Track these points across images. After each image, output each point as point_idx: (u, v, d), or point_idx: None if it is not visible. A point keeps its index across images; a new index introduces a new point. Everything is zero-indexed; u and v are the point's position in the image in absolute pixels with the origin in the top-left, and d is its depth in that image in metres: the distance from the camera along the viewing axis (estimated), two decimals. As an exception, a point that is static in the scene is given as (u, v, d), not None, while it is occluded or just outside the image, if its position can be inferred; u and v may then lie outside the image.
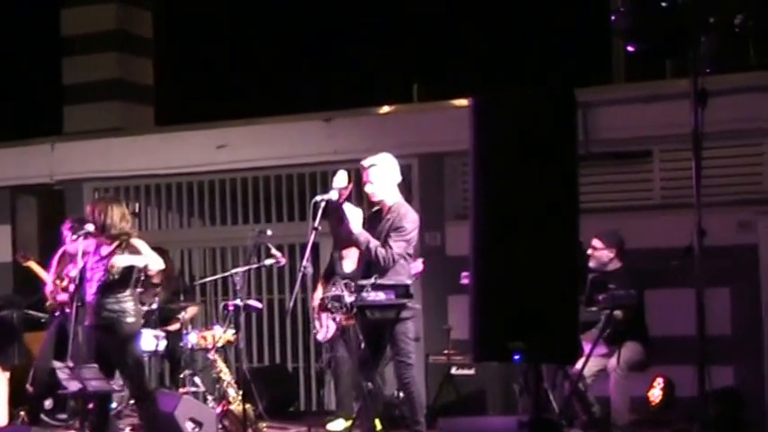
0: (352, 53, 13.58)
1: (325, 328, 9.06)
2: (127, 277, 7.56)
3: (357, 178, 8.42)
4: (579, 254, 4.99)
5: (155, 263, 7.61)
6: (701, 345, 5.39)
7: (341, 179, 7.33)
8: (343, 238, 7.63)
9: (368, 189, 7.42)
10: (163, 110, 13.36)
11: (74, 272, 7.72)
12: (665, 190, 10.00)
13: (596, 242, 8.18)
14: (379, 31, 13.66)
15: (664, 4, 5.56)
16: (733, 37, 5.75)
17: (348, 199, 7.45)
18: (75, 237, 7.74)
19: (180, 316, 9.64)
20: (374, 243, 7.20)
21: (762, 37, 5.96)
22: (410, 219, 7.33)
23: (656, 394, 8.84)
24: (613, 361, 7.75)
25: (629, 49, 6.27)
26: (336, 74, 13.29)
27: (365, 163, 7.41)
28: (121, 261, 7.45)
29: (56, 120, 13.03)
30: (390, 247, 7.18)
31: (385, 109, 10.98)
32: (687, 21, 5.55)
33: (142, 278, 9.54)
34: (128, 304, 7.54)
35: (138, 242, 7.62)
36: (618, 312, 7.51)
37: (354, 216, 7.30)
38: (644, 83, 10.18)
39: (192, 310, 9.91)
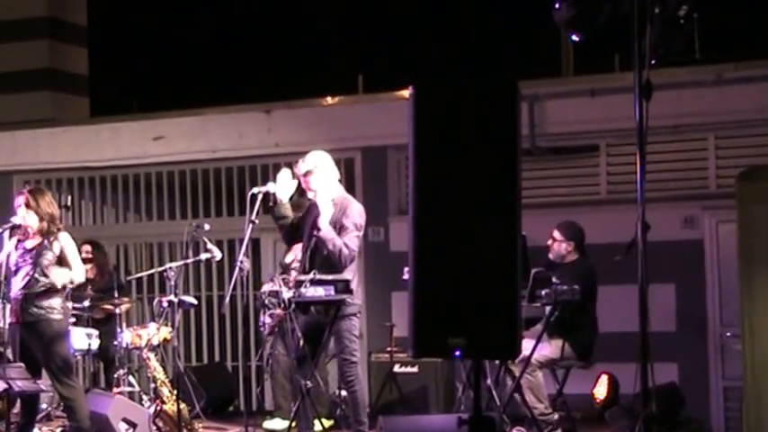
0: (295, 43, 13.41)
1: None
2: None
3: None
4: (522, 249, 4.82)
5: (78, 275, 7.40)
6: (644, 341, 5.29)
7: (285, 177, 7.13)
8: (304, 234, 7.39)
9: (310, 195, 7.26)
10: (98, 100, 13.07)
11: None
12: (611, 185, 10.02)
13: (556, 233, 8.07)
14: (323, 20, 13.51)
15: (608, -6, 5.45)
16: (678, 29, 5.64)
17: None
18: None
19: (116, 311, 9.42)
20: (339, 242, 7.02)
21: (706, 30, 5.86)
22: (357, 213, 7.19)
23: (600, 392, 8.82)
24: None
25: (574, 38, 6.13)
26: (278, 64, 13.11)
27: (300, 171, 7.22)
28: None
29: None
30: (348, 248, 7.04)
31: (328, 100, 10.80)
32: (631, 11, 5.43)
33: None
34: (55, 301, 7.29)
35: (64, 237, 7.38)
36: None
37: (326, 213, 7.10)
38: (591, 76, 10.21)
39: (125, 307, 9.67)
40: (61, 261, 7.35)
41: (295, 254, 8.48)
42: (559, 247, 8.02)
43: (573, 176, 10.20)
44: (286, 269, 8.56)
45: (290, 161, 10.26)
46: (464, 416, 4.80)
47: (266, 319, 8.73)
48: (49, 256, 7.30)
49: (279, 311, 7.82)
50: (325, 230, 7.01)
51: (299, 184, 7.30)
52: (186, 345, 11.29)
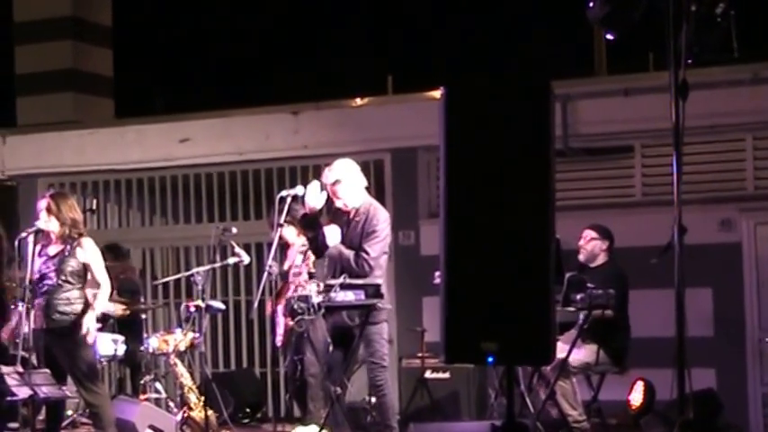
0: (323, 43, 13.34)
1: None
2: (79, 278, 7.23)
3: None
4: (555, 252, 4.70)
5: (105, 289, 7.35)
6: (681, 347, 5.15)
7: (314, 189, 7.03)
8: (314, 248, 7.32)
9: (339, 204, 7.19)
10: (123, 102, 13.00)
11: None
12: (646, 186, 9.89)
13: (590, 232, 7.92)
14: (352, 20, 13.43)
15: (643, -8, 5.31)
16: (715, 27, 5.49)
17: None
18: (24, 234, 7.35)
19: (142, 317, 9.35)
20: (347, 253, 6.96)
21: (745, 28, 5.70)
22: (381, 218, 7.12)
23: (636, 398, 8.67)
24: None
25: (609, 36, 6.01)
26: (305, 64, 13.04)
27: (327, 180, 7.14)
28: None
29: (8, 111, 12.60)
30: (367, 253, 6.95)
31: (357, 101, 10.69)
32: (666, 9, 5.29)
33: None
34: (80, 306, 7.21)
35: (88, 243, 7.30)
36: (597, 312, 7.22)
37: (331, 232, 7.04)
38: (625, 75, 10.08)
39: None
40: (86, 270, 7.30)
41: (292, 259, 8.37)
42: (594, 245, 7.87)
43: (607, 178, 10.06)
44: (285, 276, 8.43)
45: (317, 163, 10.22)
46: (497, 422, 4.74)
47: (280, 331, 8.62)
48: (72, 263, 7.23)
49: (291, 322, 7.77)
50: (330, 249, 6.99)
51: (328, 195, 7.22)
52: (214, 350, 11.20)
